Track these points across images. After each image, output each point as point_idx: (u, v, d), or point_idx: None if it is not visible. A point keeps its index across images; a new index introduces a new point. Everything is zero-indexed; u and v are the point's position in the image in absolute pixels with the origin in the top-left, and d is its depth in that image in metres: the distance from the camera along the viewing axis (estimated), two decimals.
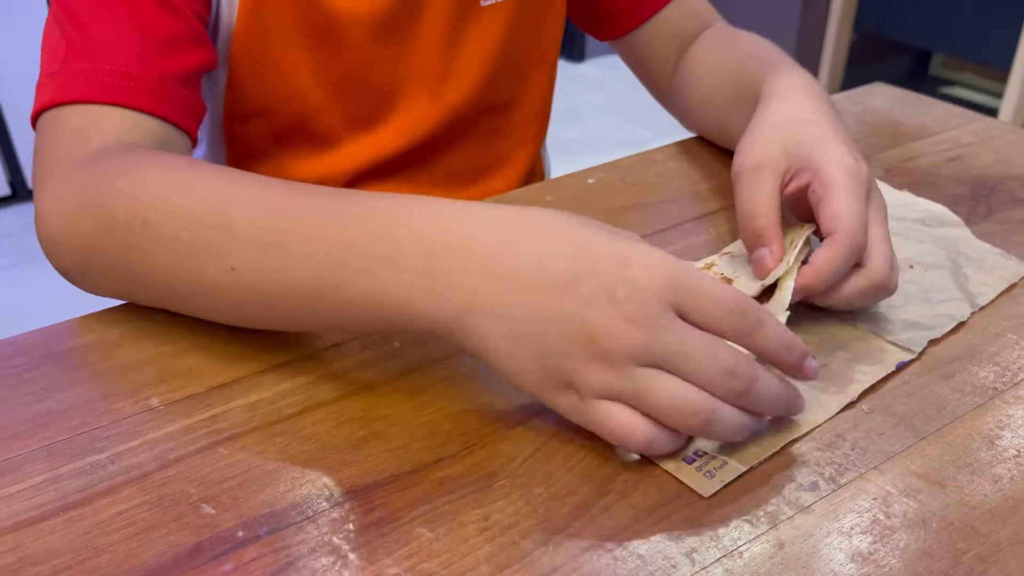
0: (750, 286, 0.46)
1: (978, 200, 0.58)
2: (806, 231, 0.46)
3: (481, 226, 0.36)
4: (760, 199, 0.47)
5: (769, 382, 0.36)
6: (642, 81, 0.76)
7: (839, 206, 0.44)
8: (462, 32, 0.64)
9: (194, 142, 0.53)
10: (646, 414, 0.35)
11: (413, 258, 0.36)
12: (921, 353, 0.44)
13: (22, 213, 2.21)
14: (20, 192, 2.32)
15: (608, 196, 0.59)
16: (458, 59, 0.64)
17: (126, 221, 0.41)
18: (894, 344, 0.44)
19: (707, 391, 0.34)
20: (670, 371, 0.34)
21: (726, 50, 0.67)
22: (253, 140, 0.63)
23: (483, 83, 0.66)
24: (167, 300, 0.44)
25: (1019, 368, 0.43)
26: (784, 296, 0.43)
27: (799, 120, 0.50)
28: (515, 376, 0.36)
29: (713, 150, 0.66)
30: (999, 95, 2.37)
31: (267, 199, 0.40)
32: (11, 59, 2.20)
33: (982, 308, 0.47)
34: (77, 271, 0.45)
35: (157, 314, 0.45)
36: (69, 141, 0.47)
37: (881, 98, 0.74)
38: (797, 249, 0.45)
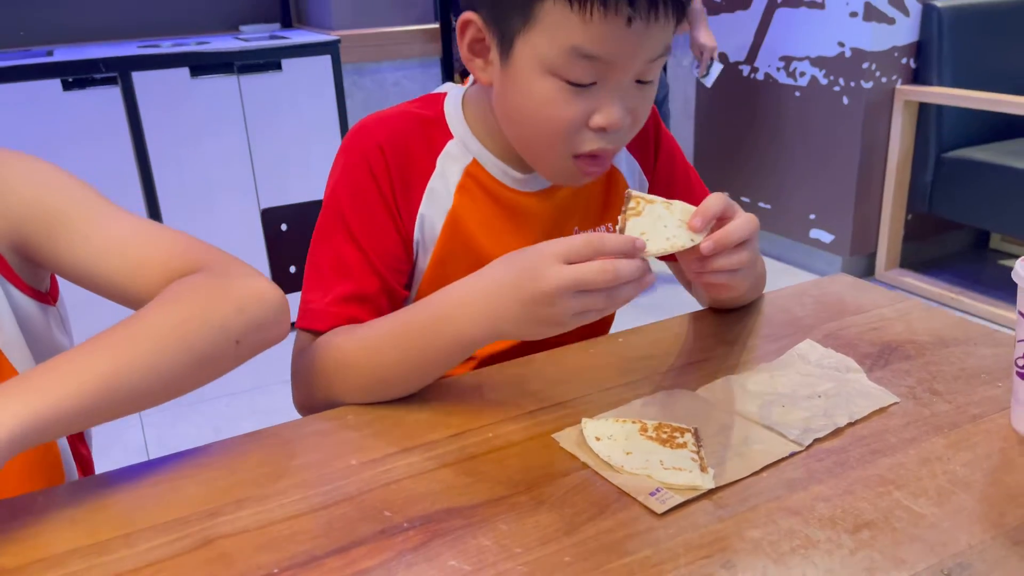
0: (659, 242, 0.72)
1: (881, 357, 0.86)
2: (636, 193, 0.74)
3: (473, 300, 0.75)
4: None
5: (624, 265, 0.68)
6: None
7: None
8: None
9: None
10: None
11: (465, 328, 0.75)
12: (809, 446, 0.71)
13: None
14: None
15: (628, 349, 0.89)
16: None
17: (332, 362, 0.81)
18: (791, 440, 0.72)
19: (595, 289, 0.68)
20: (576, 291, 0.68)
21: None
22: None
23: None
24: (358, 397, 0.80)
25: (864, 459, 0.70)
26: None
27: None
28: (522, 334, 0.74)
29: (707, 323, 0.96)
30: None
31: (395, 327, 0.80)
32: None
33: (857, 420, 0.74)
34: (306, 407, 0.84)
35: (346, 417, 0.78)
36: (318, 346, 0.85)
37: (839, 285, 1.04)
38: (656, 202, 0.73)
